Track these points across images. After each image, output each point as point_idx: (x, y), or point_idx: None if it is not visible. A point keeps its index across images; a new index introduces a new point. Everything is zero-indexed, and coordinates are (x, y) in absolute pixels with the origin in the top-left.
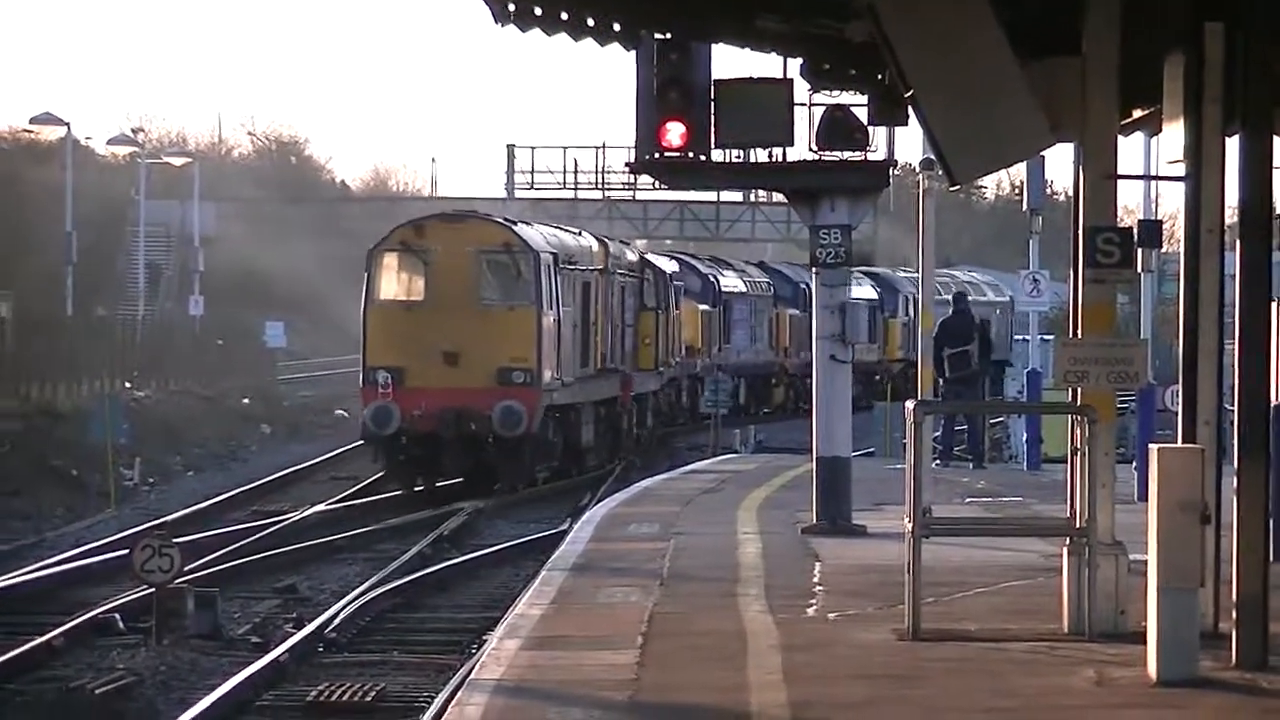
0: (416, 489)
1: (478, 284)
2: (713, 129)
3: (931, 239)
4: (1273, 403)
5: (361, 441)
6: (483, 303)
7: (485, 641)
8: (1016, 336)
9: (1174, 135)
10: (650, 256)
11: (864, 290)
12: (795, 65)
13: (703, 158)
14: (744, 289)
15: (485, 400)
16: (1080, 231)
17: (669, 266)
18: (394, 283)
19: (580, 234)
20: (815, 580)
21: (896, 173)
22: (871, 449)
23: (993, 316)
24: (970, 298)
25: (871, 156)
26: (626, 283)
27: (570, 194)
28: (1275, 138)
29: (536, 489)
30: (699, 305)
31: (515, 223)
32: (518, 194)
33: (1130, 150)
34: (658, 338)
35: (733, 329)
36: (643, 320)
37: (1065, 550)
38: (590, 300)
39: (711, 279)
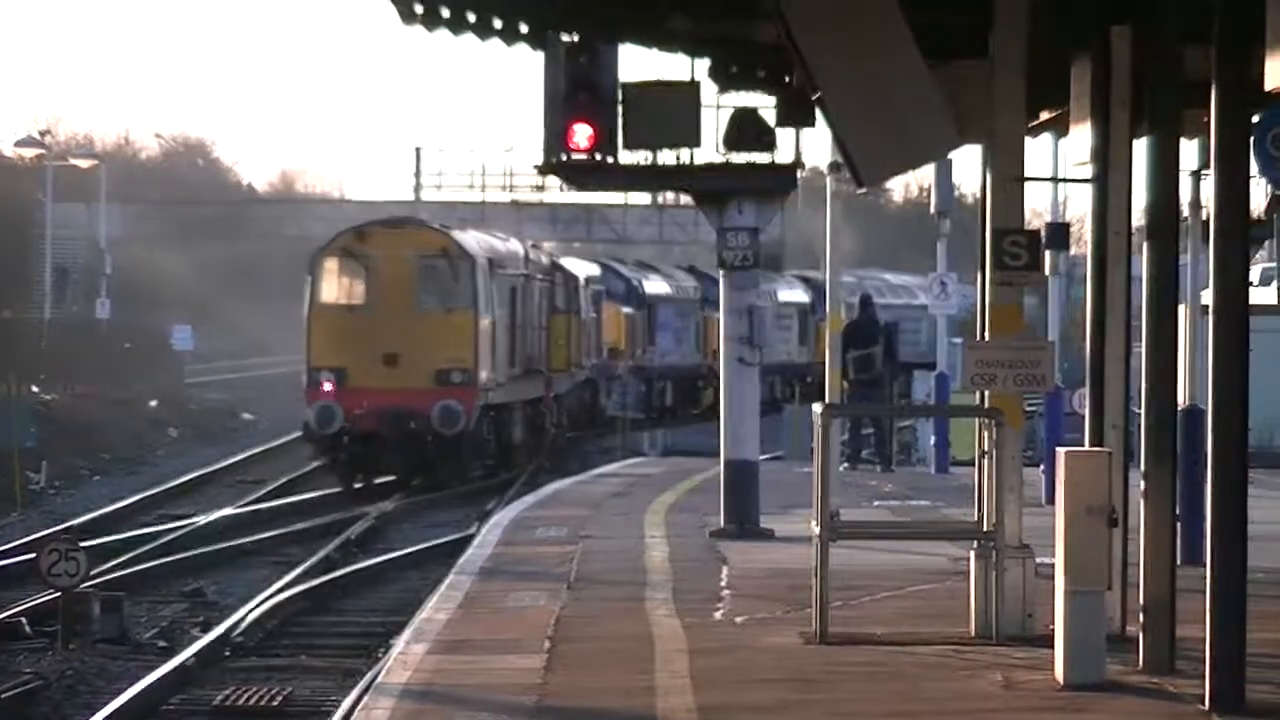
0: (356, 486)
1: (417, 288)
2: (620, 131)
3: (839, 241)
4: (1180, 406)
5: (300, 438)
6: (422, 306)
7: (392, 646)
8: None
9: (1081, 138)
10: (566, 261)
11: (796, 293)
12: (703, 67)
13: (610, 160)
14: (670, 292)
15: (425, 400)
16: (987, 234)
17: (586, 270)
18: (336, 287)
19: (508, 239)
20: (723, 584)
21: (804, 175)
22: (780, 452)
23: (925, 320)
24: (899, 302)
25: (779, 159)
26: (542, 286)
27: (478, 196)
28: (1182, 140)
29: (444, 492)
30: (622, 308)
31: (452, 229)
32: (425, 196)
33: (1037, 152)
34: (569, 340)
35: (658, 332)
36: (554, 323)
37: (973, 554)
38: (515, 303)
39: (635, 283)
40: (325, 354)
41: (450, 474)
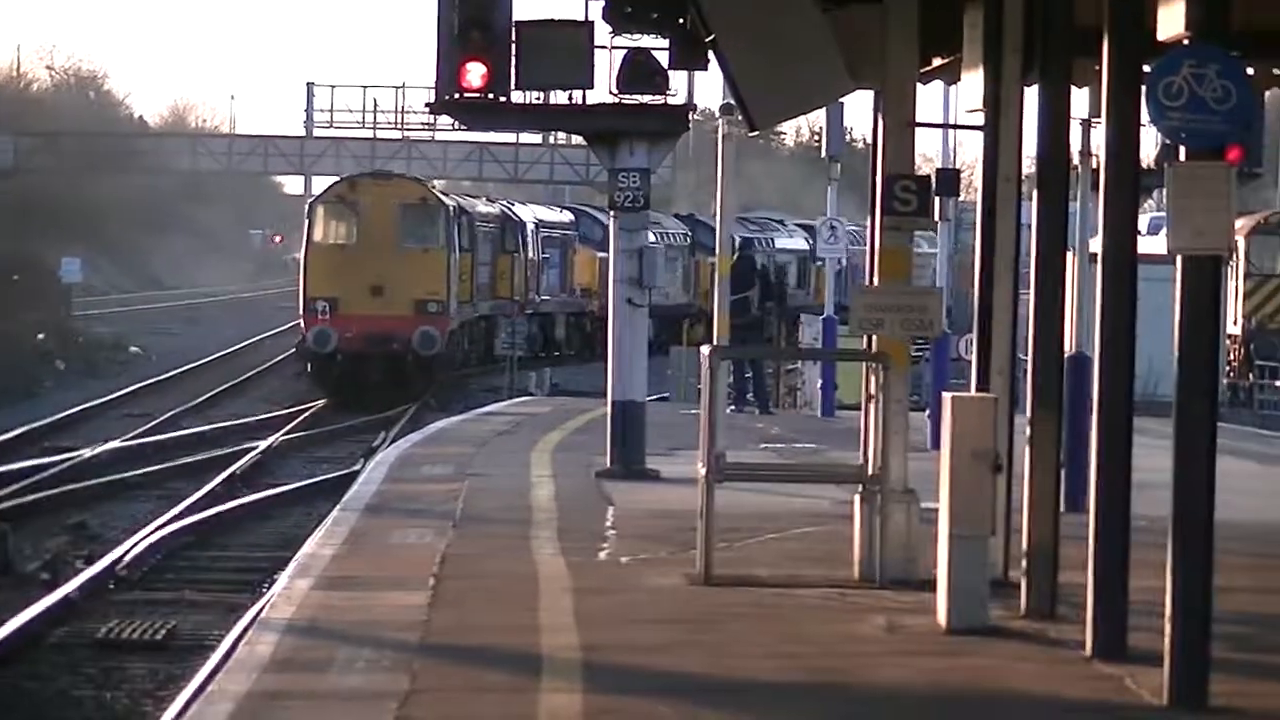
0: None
1: (400, 230)
2: (513, 71)
3: (731, 184)
4: (1066, 353)
5: (294, 356)
6: (404, 246)
7: (276, 581)
8: None
9: (973, 84)
10: (524, 207)
11: (796, 240)
12: (597, 8)
13: (502, 99)
14: (653, 239)
15: (406, 326)
16: (879, 179)
17: (542, 215)
18: (330, 229)
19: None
20: (608, 524)
21: (696, 117)
22: (666, 394)
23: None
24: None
25: (671, 101)
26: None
27: (369, 133)
28: (1073, 88)
29: (329, 427)
30: (596, 253)
31: (427, 181)
32: (317, 132)
33: (929, 98)
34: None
35: None
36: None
37: (858, 497)
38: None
39: None
40: (320, 285)
41: (423, 389)
